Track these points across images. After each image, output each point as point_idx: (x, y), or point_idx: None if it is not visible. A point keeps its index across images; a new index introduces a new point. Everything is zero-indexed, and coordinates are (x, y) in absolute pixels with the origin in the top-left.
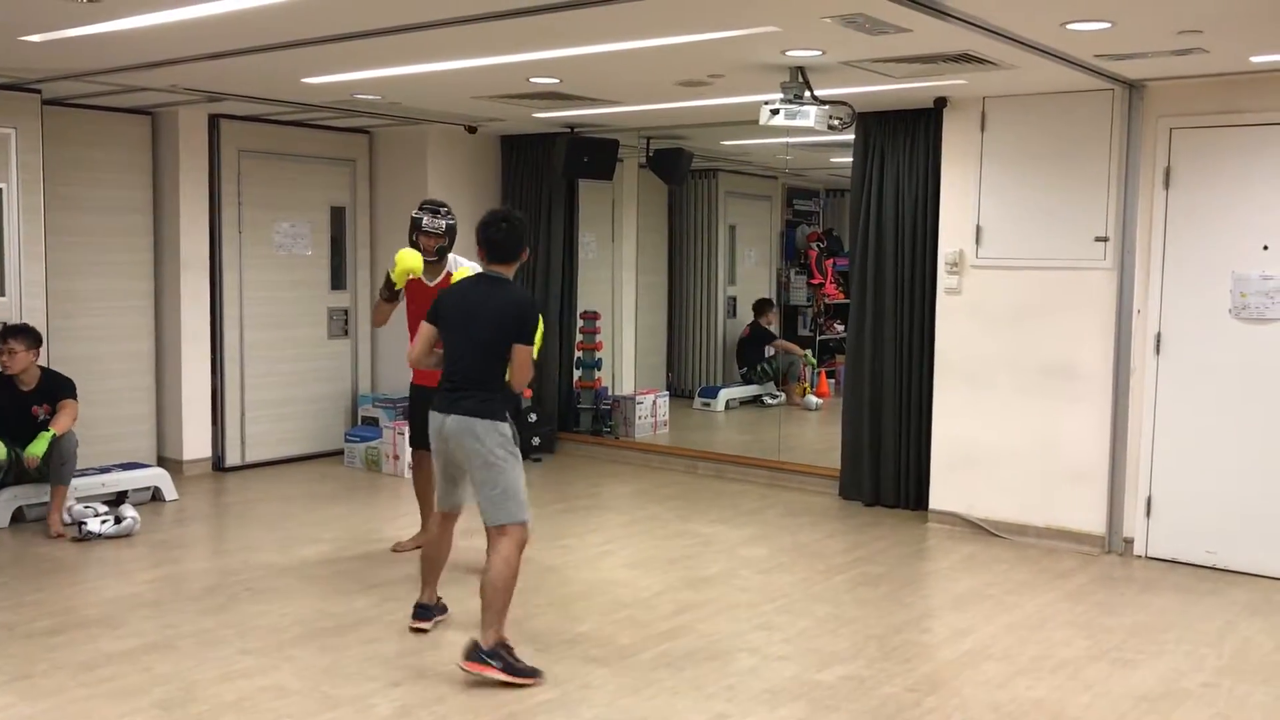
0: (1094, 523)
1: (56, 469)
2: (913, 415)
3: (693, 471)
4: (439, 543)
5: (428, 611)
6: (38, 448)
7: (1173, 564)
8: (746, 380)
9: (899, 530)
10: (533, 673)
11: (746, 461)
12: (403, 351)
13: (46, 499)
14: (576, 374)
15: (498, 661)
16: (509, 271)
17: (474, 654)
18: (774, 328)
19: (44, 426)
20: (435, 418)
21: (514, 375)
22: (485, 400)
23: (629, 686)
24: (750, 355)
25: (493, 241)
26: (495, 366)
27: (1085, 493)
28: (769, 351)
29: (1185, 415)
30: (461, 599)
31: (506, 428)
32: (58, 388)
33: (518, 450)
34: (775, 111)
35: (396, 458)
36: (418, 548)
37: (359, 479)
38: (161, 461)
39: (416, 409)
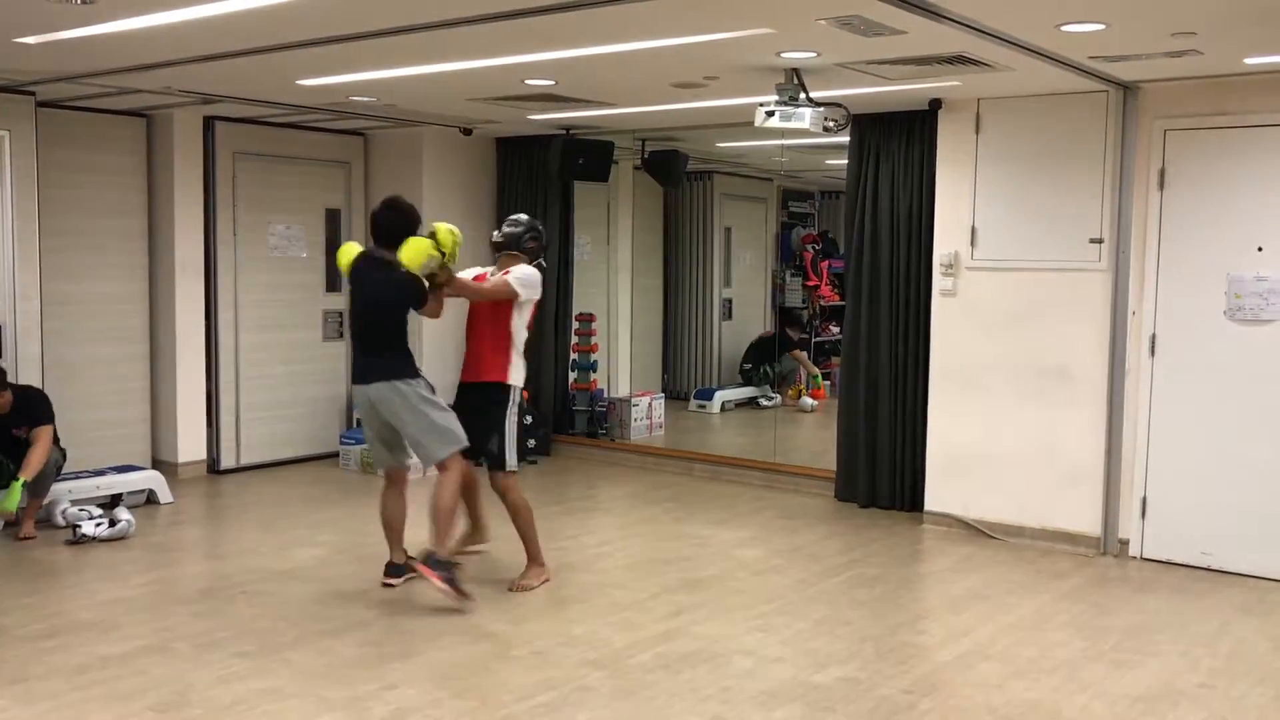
0: (1089, 524)
1: (33, 485)
2: (908, 417)
3: (688, 473)
4: (393, 504)
5: (398, 570)
6: (10, 502)
7: (1168, 565)
8: (746, 378)
9: (895, 532)
10: (466, 595)
11: (742, 463)
12: None
13: (40, 503)
14: (572, 376)
15: (444, 571)
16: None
17: (428, 559)
18: (796, 340)
19: (26, 444)
20: (358, 390)
21: (431, 312)
22: (395, 362)
23: (625, 689)
24: (760, 355)
25: (377, 226)
26: (395, 334)
27: (1081, 494)
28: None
29: (1180, 417)
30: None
31: (421, 381)
32: (33, 406)
33: (437, 397)
34: (770, 113)
35: None
36: (459, 552)
37: (354, 481)
38: (156, 464)
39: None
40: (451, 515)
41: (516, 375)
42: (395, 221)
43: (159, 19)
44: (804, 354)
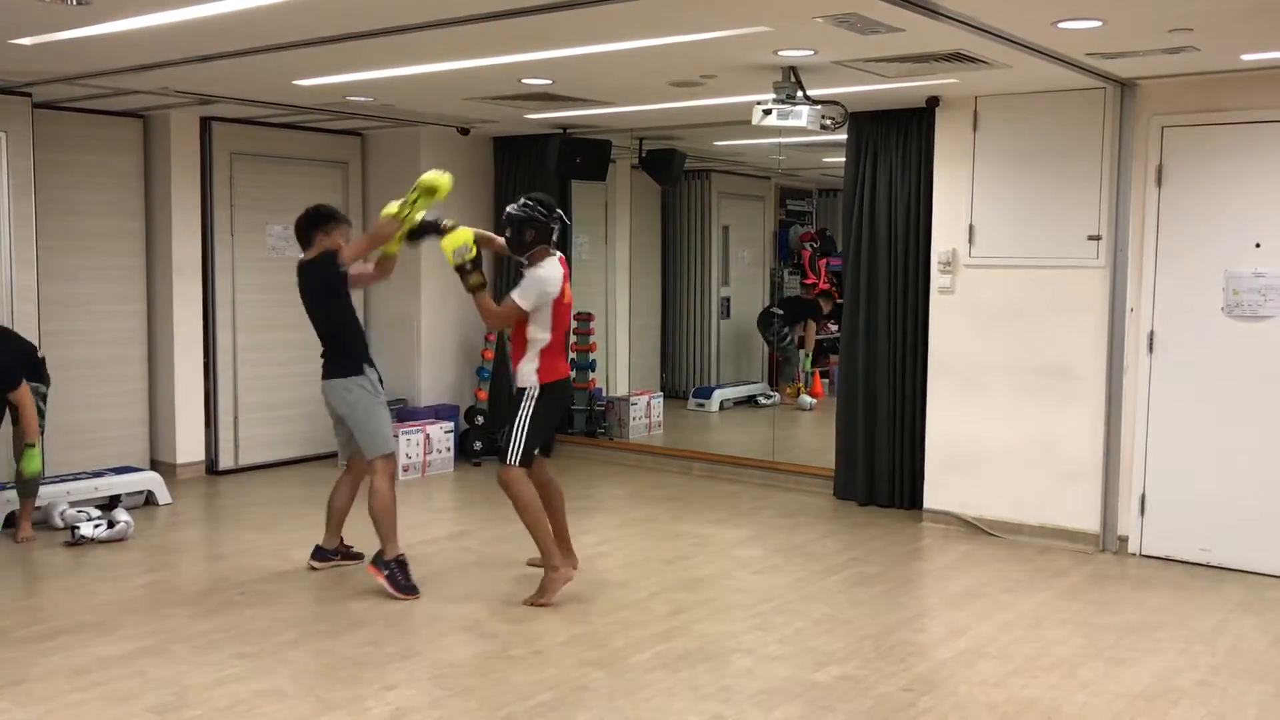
0: (1088, 521)
1: (21, 485)
2: (907, 414)
3: (687, 472)
4: (341, 492)
5: (324, 554)
6: (33, 465)
7: (1167, 562)
8: (764, 321)
9: (894, 530)
10: (412, 590)
11: (741, 462)
12: (394, 355)
13: (40, 504)
14: (570, 375)
15: (387, 571)
16: (313, 253)
17: (376, 559)
18: (826, 312)
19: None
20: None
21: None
22: (334, 362)
23: (624, 688)
24: (789, 313)
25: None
26: (328, 334)
27: (1080, 491)
28: (792, 335)
29: (1179, 413)
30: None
31: (358, 380)
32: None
33: (373, 397)
34: (768, 111)
35: None
36: (533, 563)
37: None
38: (155, 465)
39: (553, 411)
40: (388, 515)
41: (531, 377)
42: (299, 226)
43: (155, 19)
44: (814, 328)
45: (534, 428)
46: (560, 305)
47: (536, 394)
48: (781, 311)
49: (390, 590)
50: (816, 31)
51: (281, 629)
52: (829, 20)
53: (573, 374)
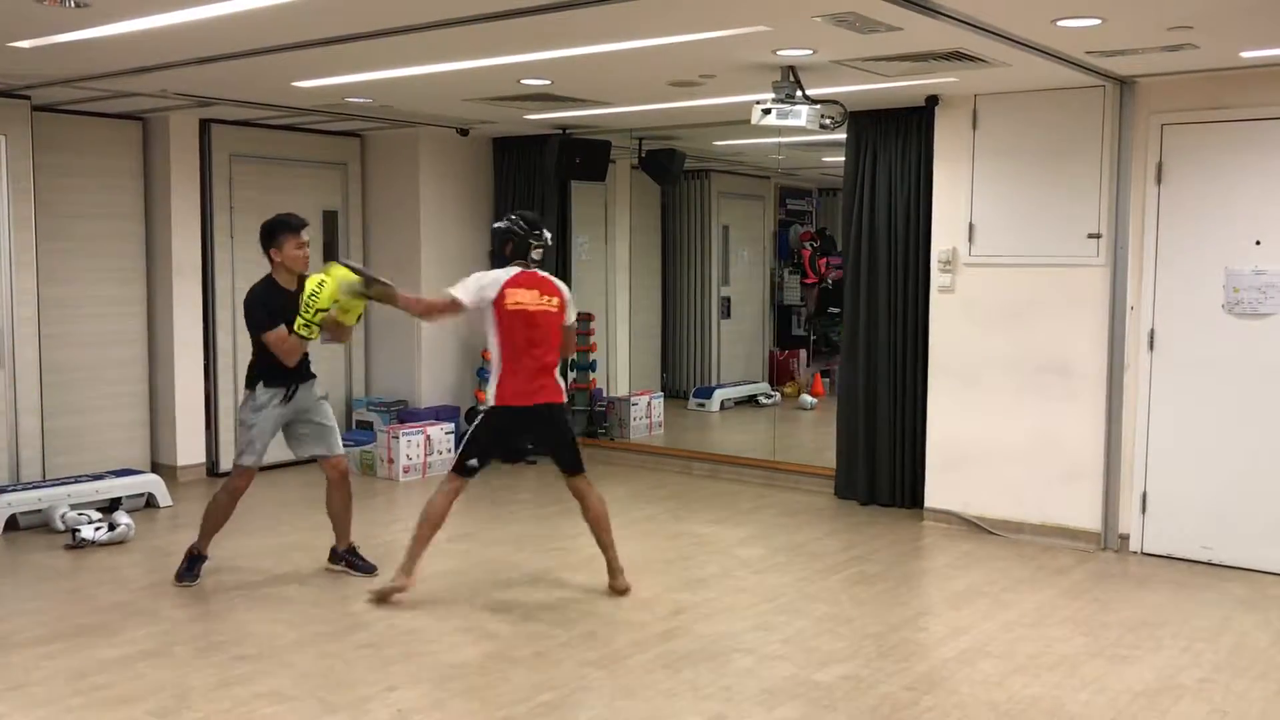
0: (1090, 519)
1: None
2: (907, 413)
3: (688, 472)
4: (330, 497)
5: (335, 555)
6: None
7: (1168, 560)
8: (829, 324)
9: (895, 529)
10: (189, 577)
11: (742, 462)
12: (394, 356)
13: (41, 507)
14: (571, 376)
15: (184, 565)
16: (271, 269)
17: (188, 551)
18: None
19: None
20: None
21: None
22: (248, 372)
23: (626, 688)
24: (838, 310)
25: None
26: (253, 349)
27: (1081, 489)
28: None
29: (1180, 411)
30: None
31: (250, 393)
32: None
33: (251, 412)
34: (767, 111)
35: (391, 461)
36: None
37: (353, 483)
38: (155, 468)
39: (499, 435)
40: (211, 522)
41: (490, 395)
42: (262, 239)
43: (153, 21)
44: None
45: (472, 444)
46: (506, 313)
47: (484, 411)
48: (837, 310)
49: (179, 579)
50: (815, 31)
51: (282, 630)
52: (828, 19)
53: (573, 375)
